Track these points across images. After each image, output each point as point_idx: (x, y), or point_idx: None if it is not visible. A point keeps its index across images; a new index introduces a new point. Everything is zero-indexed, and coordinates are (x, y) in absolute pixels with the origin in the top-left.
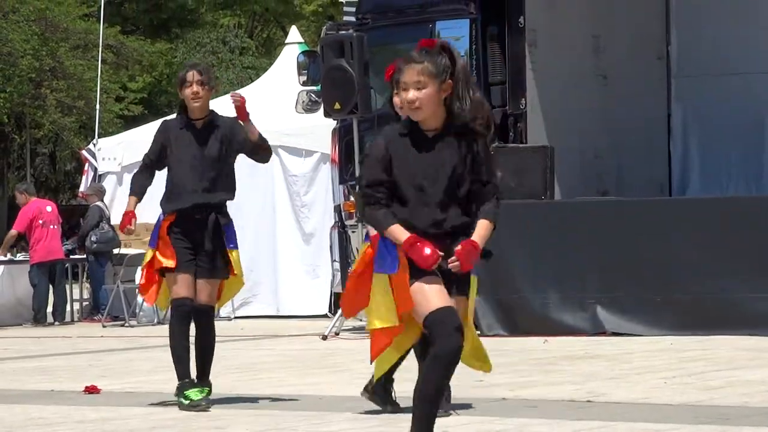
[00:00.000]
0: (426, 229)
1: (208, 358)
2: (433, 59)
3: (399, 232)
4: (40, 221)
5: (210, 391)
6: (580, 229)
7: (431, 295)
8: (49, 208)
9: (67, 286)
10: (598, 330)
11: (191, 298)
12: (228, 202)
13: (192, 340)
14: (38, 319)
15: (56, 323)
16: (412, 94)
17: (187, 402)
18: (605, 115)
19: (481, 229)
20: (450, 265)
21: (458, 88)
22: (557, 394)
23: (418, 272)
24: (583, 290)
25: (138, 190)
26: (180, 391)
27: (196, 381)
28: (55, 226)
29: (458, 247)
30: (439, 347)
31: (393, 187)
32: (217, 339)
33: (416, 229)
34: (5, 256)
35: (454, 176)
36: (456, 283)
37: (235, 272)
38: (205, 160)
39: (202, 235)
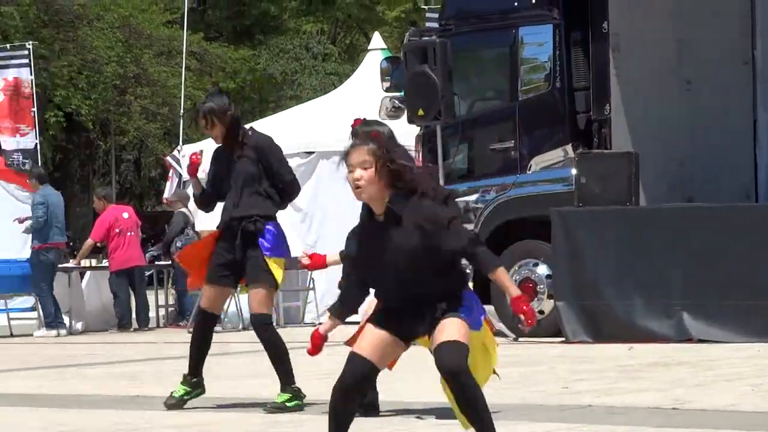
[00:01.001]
0: None
1: (278, 366)
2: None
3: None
4: (117, 229)
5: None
6: (665, 235)
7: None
8: (126, 215)
9: (152, 292)
10: (684, 337)
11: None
12: (314, 208)
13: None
14: (123, 325)
15: (140, 329)
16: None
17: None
18: (690, 121)
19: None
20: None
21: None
22: (643, 401)
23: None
24: (669, 296)
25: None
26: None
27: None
28: (133, 233)
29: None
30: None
31: None
32: (304, 344)
33: None
34: (78, 264)
35: None
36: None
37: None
38: (236, 179)
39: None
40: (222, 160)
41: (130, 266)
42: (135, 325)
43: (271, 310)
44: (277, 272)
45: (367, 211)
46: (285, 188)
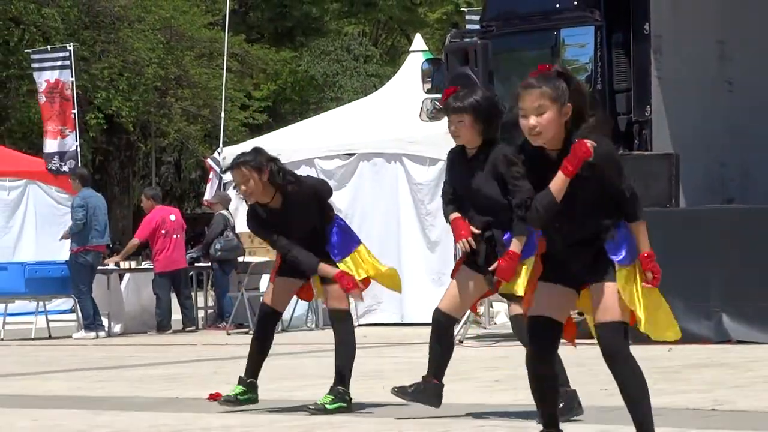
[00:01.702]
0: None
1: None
2: (551, 83)
3: None
4: (163, 231)
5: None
6: (705, 236)
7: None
8: (172, 217)
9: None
10: (723, 338)
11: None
12: (354, 210)
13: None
14: (162, 327)
15: (185, 330)
16: (532, 120)
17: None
18: (731, 122)
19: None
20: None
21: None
22: (682, 403)
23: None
24: (708, 298)
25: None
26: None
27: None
28: (179, 235)
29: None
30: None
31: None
32: None
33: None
34: (117, 264)
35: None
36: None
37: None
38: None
39: None
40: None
41: (174, 269)
42: (173, 327)
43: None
44: (357, 267)
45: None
46: None
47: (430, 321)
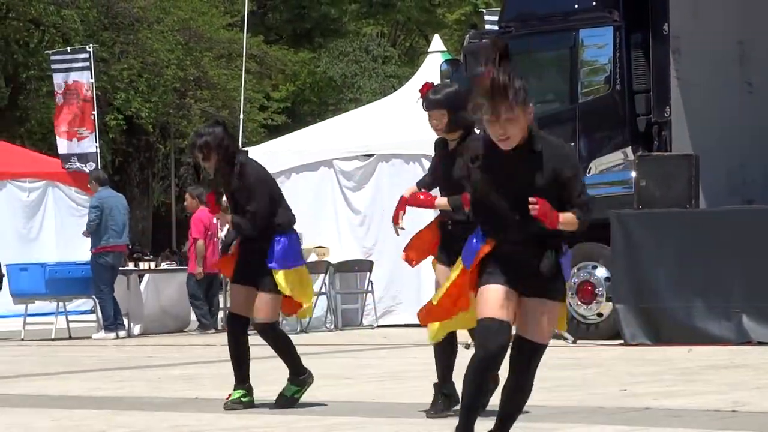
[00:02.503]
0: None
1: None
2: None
3: None
4: (209, 232)
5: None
6: (725, 237)
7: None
8: (215, 220)
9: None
10: (744, 339)
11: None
12: (373, 211)
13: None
14: (204, 326)
15: (205, 331)
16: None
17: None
18: (751, 123)
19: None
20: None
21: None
22: (702, 404)
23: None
24: (729, 299)
25: None
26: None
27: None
28: (217, 239)
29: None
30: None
31: None
32: (362, 347)
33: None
34: (199, 273)
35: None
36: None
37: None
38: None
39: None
40: None
41: (213, 272)
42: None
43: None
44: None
45: (487, 143)
46: None
47: None
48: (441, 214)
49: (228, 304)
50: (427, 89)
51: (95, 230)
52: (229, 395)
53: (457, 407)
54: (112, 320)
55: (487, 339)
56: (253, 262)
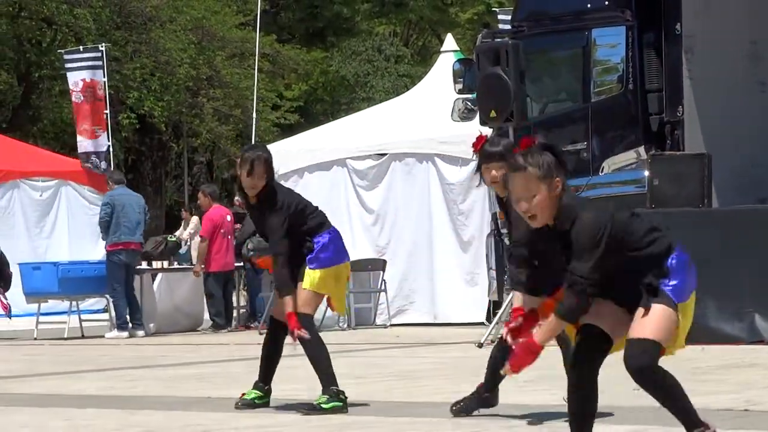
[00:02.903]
0: None
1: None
2: (536, 161)
3: None
4: (222, 230)
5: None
6: (737, 236)
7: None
8: (229, 218)
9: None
10: (756, 339)
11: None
12: (387, 210)
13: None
14: (218, 325)
15: (218, 330)
16: (524, 205)
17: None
18: (763, 122)
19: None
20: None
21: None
22: (714, 403)
23: None
24: (741, 299)
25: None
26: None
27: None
28: (230, 237)
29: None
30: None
31: None
32: (374, 346)
33: None
34: (196, 271)
35: None
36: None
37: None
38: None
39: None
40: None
41: (228, 270)
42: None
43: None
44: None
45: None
46: None
47: (462, 321)
48: None
49: (241, 302)
50: (482, 142)
51: (107, 228)
52: (243, 394)
53: (486, 410)
54: (124, 319)
55: None
56: (292, 267)
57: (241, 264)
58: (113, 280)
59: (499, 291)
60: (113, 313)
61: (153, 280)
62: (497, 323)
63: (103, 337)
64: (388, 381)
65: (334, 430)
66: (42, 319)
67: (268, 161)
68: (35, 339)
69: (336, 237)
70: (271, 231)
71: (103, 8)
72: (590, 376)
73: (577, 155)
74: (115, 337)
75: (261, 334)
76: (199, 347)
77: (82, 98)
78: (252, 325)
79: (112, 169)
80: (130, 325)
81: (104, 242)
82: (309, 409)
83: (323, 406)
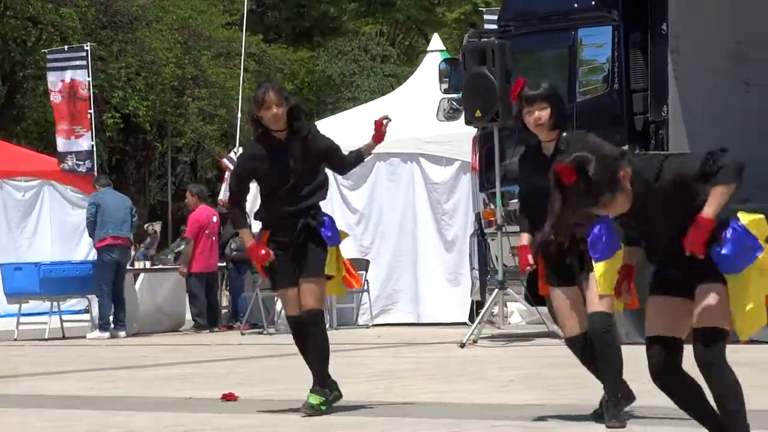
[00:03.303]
0: None
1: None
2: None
3: None
4: (207, 231)
5: (333, 396)
6: None
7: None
8: (215, 219)
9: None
10: (737, 338)
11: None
12: (371, 210)
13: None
14: (200, 326)
15: (210, 330)
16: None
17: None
18: (747, 122)
19: None
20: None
21: None
22: None
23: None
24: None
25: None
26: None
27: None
28: (215, 238)
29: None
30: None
31: None
32: (357, 346)
33: None
34: (184, 274)
35: None
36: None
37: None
38: (293, 173)
39: (295, 241)
40: (265, 156)
41: (211, 271)
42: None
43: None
44: (329, 264)
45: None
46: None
47: (445, 321)
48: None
49: (223, 303)
50: (521, 85)
51: (93, 227)
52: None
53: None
54: (107, 320)
55: None
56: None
57: (224, 264)
58: (101, 280)
59: (482, 291)
60: (95, 313)
61: (135, 280)
62: (480, 323)
63: (84, 337)
64: (370, 381)
65: (316, 430)
66: (23, 319)
67: (276, 87)
68: (15, 340)
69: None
70: (335, 148)
71: (89, 7)
72: (675, 380)
73: None
74: (96, 337)
75: (243, 334)
76: (181, 348)
77: (60, 98)
78: (234, 326)
79: (95, 168)
80: (112, 325)
81: (91, 242)
82: (308, 408)
83: (322, 407)
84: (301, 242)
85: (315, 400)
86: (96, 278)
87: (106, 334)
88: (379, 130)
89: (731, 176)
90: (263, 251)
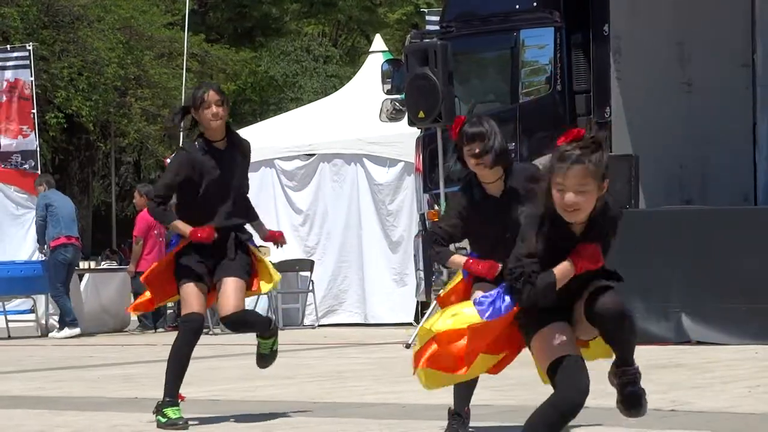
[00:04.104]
0: None
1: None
2: (596, 159)
3: None
4: (156, 231)
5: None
6: (664, 237)
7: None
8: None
9: None
10: (683, 339)
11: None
12: (315, 211)
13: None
14: (145, 326)
15: (156, 330)
16: (572, 196)
17: (164, 420)
18: (690, 124)
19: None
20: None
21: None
22: None
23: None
24: (668, 299)
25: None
26: (158, 408)
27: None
28: (162, 239)
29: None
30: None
31: None
32: (302, 347)
33: None
34: (129, 271)
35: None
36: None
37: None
38: (228, 184)
39: (222, 251)
40: (205, 160)
41: None
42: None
43: None
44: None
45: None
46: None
47: (392, 321)
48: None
49: (169, 304)
50: (460, 123)
51: (45, 229)
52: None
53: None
54: (73, 316)
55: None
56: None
57: None
58: (56, 279)
59: (427, 292)
60: (40, 313)
61: (80, 280)
62: (412, 324)
63: (29, 338)
64: (316, 381)
65: (261, 430)
66: None
67: (216, 87)
68: None
69: None
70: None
71: (31, 7)
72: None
73: None
74: (66, 336)
75: None
76: (126, 348)
77: (4, 98)
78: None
79: (38, 168)
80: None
81: (37, 244)
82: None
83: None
84: (232, 256)
85: (264, 348)
86: (50, 278)
87: (77, 330)
88: (275, 240)
89: (525, 300)
90: (206, 229)
